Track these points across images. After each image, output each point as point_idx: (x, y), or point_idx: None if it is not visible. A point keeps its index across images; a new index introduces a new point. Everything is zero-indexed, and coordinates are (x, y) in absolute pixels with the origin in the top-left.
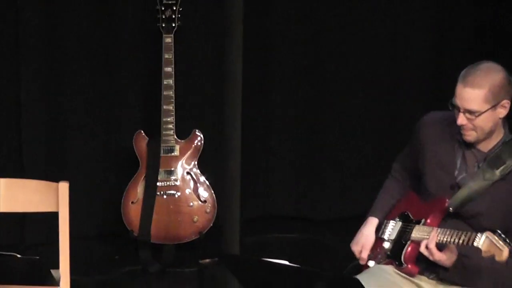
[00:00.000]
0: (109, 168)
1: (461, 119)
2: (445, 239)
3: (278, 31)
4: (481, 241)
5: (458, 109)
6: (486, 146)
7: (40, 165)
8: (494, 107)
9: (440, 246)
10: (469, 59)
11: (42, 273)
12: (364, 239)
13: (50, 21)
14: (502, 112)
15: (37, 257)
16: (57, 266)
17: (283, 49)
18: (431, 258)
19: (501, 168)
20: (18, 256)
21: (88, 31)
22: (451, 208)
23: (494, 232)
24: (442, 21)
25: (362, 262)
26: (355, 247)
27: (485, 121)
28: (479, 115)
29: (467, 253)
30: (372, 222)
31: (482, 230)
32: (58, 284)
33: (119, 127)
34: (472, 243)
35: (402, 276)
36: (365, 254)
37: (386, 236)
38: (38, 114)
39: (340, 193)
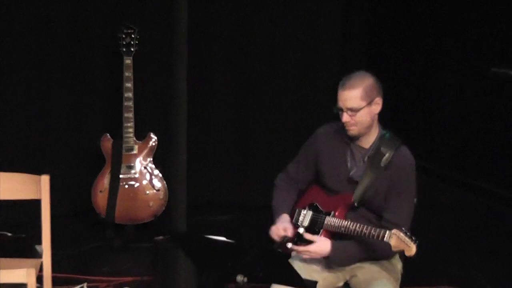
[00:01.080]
0: (81, 163)
1: (345, 117)
2: (358, 230)
3: (217, 43)
4: (389, 238)
5: (342, 110)
6: (367, 142)
7: (26, 159)
8: (369, 104)
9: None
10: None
11: (28, 248)
12: (283, 226)
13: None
14: (376, 108)
15: (24, 235)
16: (39, 242)
17: (221, 60)
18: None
19: (383, 160)
20: (9, 234)
21: (66, 52)
22: (356, 203)
23: (400, 229)
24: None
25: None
26: (276, 235)
27: (364, 116)
28: (358, 111)
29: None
30: (284, 217)
31: (377, 214)
32: (41, 257)
33: (88, 131)
34: (383, 239)
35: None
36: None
37: (299, 223)
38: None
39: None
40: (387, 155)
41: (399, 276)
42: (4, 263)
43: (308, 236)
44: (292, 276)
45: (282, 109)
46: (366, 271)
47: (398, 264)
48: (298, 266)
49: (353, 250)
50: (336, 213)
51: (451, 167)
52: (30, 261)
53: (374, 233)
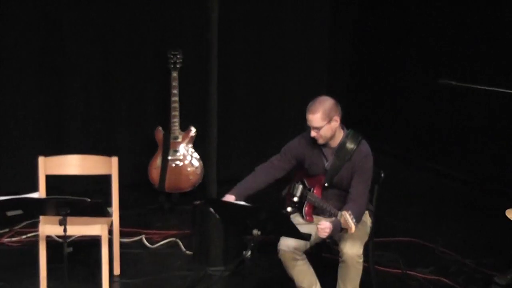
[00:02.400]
0: (140, 148)
1: (312, 133)
2: (324, 207)
3: (238, 59)
4: (340, 217)
5: (310, 128)
6: (334, 143)
7: (101, 145)
8: (329, 122)
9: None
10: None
11: (102, 209)
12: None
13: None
14: (335, 124)
15: (99, 200)
16: (110, 205)
17: (241, 72)
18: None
19: (348, 152)
20: (88, 200)
21: (134, 68)
22: (326, 184)
23: (348, 212)
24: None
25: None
26: None
27: (326, 131)
28: (321, 128)
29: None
30: (229, 196)
31: (346, 191)
32: (111, 216)
33: (146, 124)
34: (336, 216)
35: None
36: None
37: (294, 193)
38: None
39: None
40: (350, 148)
41: (368, 229)
42: (84, 220)
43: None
44: (293, 230)
45: (289, 101)
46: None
47: (368, 221)
48: (297, 222)
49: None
50: (314, 190)
51: (412, 153)
52: (103, 219)
53: (332, 211)
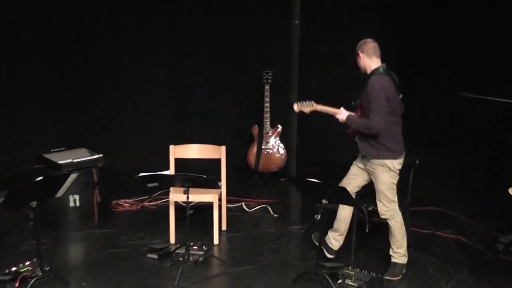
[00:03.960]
0: (241, 140)
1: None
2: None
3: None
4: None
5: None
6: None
7: (213, 138)
8: (358, 55)
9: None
10: None
11: (214, 183)
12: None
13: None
14: (360, 57)
15: (212, 177)
16: (220, 180)
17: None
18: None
19: (367, 80)
20: (204, 176)
21: (239, 81)
22: (353, 103)
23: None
24: None
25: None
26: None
27: (358, 62)
28: (356, 60)
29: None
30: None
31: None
32: (220, 188)
33: (245, 123)
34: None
35: (356, 166)
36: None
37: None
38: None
39: None
40: (370, 77)
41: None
42: (201, 191)
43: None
44: (349, 200)
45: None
46: (374, 170)
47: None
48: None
49: (355, 118)
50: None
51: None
52: (215, 191)
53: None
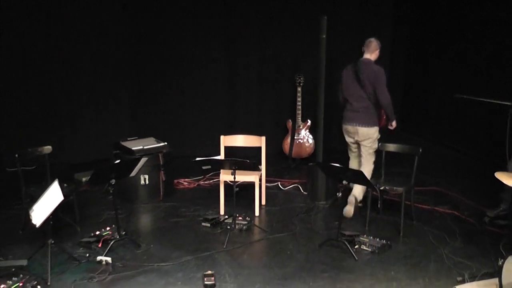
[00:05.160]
0: (278, 131)
1: None
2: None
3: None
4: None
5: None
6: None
7: (255, 130)
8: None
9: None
10: None
11: (256, 166)
12: None
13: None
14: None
15: (254, 161)
16: (261, 164)
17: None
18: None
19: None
20: (247, 161)
21: (280, 86)
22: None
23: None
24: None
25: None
26: None
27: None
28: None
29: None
30: None
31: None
32: (260, 170)
33: (281, 118)
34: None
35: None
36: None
37: None
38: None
39: None
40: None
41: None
42: (245, 173)
43: None
44: (366, 181)
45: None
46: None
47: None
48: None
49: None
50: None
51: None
52: (256, 172)
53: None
